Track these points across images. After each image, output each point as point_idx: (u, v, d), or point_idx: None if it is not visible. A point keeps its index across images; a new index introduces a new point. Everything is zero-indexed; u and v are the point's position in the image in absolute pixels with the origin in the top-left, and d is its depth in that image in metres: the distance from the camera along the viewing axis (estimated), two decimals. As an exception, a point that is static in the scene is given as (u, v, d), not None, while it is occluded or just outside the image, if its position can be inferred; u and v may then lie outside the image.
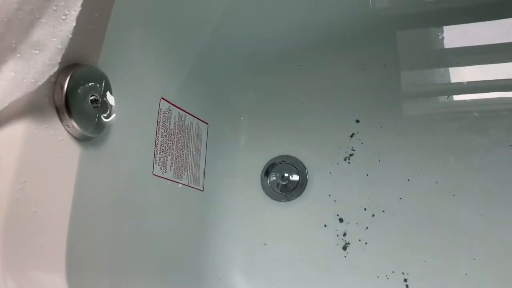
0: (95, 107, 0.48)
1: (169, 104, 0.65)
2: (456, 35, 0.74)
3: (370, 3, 0.78)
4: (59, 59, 0.41)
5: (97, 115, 0.48)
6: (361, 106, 0.74)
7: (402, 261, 0.64)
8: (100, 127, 0.49)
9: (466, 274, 0.61)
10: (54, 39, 0.40)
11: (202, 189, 0.71)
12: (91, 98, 0.47)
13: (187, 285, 0.64)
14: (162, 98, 0.63)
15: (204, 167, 0.72)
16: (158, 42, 0.61)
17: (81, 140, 0.47)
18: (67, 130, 0.45)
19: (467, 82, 0.70)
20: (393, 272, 0.64)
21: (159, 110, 0.62)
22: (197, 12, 0.67)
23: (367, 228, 0.67)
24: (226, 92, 0.79)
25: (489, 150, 0.65)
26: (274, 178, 0.75)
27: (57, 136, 0.44)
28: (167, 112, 0.64)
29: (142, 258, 0.55)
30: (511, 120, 0.65)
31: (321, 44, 0.78)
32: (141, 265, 0.56)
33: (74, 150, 0.46)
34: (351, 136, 0.73)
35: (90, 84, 0.47)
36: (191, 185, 0.68)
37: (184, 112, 0.69)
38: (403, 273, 0.63)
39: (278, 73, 0.80)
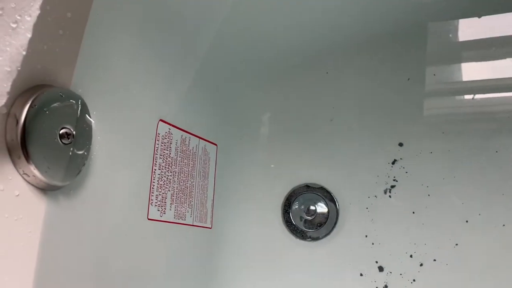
0: (66, 143, 0.36)
1: (170, 126, 0.53)
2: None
3: None
4: (7, 86, 0.30)
5: (70, 154, 0.36)
6: (405, 125, 0.61)
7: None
8: (74, 170, 0.37)
9: None
10: (0, 58, 0.29)
11: (210, 227, 0.60)
12: (60, 131, 0.36)
13: None
14: (161, 120, 0.51)
15: (212, 199, 0.61)
16: (151, 52, 0.49)
17: (48, 190, 0.35)
18: (26, 180, 0.33)
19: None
20: None
21: (157, 135, 0.50)
22: (197, 15, 0.54)
23: (414, 281, 0.55)
24: (238, 108, 0.67)
25: None
26: (298, 211, 0.63)
27: (11, 190, 0.32)
28: (166, 137, 0.52)
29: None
30: None
31: (354, 48, 0.66)
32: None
33: (36, 206, 0.34)
34: (393, 163, 0.60)
35: (59, 112, 0.35)
36: (197, 224, 0.57)
37: (188, 134, 0.57)
38: None
39: (301, 83, 0.68)
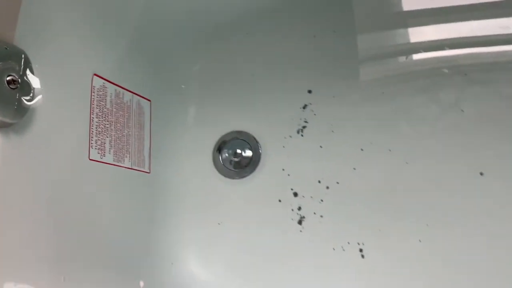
0: (13, 88, 0.44)
1: (104, 81, 0.61)
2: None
3: None
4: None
5: (17, 97, 0.44)
6: (313, 75, 0.73)
7: (358, 232, 0.66)
8: (21, 111, 0.45)
9: (420, 241, 0.63)
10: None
11: (148, 171, 0.69)
12: (7, 78, 0.43)
13: (136, 272, 0.62)
14: (95, 74, 0.59)
15: (149, 147, 0.70)
16: (87, 11, 0.57)
17: (0, 127, 0.43)
18: (-20, 117, 0.41)
19: (420, 42, 0.71)
20: (348, 243, 0.65)
21: (92, 87, 0.59)
22: None
23: (322, 201, 0.68)
24: (170, 66, 0.76)
25: (441, 115, 0.67)
26: (226, 155, 0.74)
27: (-31, 124, 0.40)
28: (101, 90, 0.60)
29: (85, 249, 0.53)
30: (461, 83, 0.67)
31: (270, 11, 0.76)
32: (84, 257, 0.54)
33: (-9, 138, 0.42)
34: (304, 108, 0.73)
35: (4, 62, 0.43)
36: (135, 168, 0.66)
37: (122, 89, 0.65)
38: (358, 243, 0.65)
39: (225, 43, 0.78)
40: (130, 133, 0.66)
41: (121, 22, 0.64)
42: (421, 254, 0.63)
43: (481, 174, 0.63)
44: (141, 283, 0.63)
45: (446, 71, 0.69)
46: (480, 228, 0.62)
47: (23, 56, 0.45)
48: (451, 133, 0.66)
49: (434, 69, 0.69)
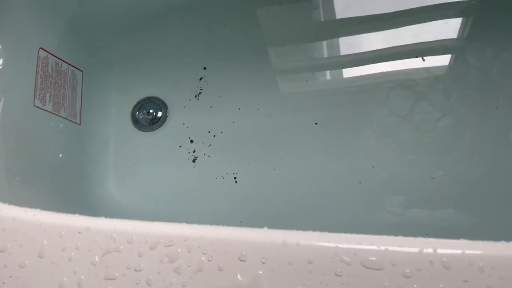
0: (-18, 48, 0.68)
1: (47, 53, 0.86)
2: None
3: None
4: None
5: (-15, 55, 0.69)
6: (207, 56, 1.01)
7: (233, 166, 0.94)
8: (-12, 64, 0.70)
9: (274, 169, 0.92)
10: None
11: (79, 123, 0.94)
12: (-21, 41, 0.68)
13: (71, 195, 0.87)
14: (41, 48, 0.84)
15: (80, 105, 0.95)
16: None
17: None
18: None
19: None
20: (226, 173, 0.93)
21: (38, 57, 0.83)
22: None
23: (210, 145, 0.96)
24: (100, 44, 1.01)
25: (289, 85, 0.97)
26: (141, 113, 1.00)
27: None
28: (45, 59, 0.85)
29: (33, 165, 0.77)
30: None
31: (181, 5, 1.03)
32: (31, 170, 0.78)
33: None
34: (200, 79, 1.00)
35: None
36: (68, 118, 0.91)
37: (61, 60, 0.90)
38: (233, 173, 0.93)
39: (145, 30, 1.04)
40: (66, 93, 0.91)
41: (62, 8, 0.89)
42: (276, 179, 0.92)
43: (316, 124, 0.93)
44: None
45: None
46: (312, 161, 0.92)
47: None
48: (298, 100, 0.96)
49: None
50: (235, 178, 0.93)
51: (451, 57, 0.94)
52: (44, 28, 0.86)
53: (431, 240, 0.40)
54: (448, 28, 0.97)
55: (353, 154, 0.92)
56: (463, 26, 0.97)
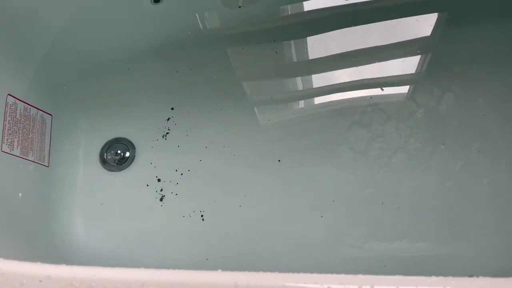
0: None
1: (15, 99, 0.88)
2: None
3: (208, 24, 1.10)
4: None
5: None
6: (174, 97, 1.05)
7: (200, 204, 0.96)
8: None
9: (240, 206, 0.95)
10: None
11: (47, 165, 0.96)
12: None
13: (34, 237, 0.87)
14: (9, 94, 0.86)
15: (49, 148, 0.97)
16: (3, 47, 0.84)
17: None
18: None
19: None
20: (194, 211, 0.96)
21: (6, 103, 0.86)
22: (34, 23, 0.91)
23: (177, 183, 0.99)
24: (70, 88, 1.04)
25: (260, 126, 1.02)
26: (110, 155, 1.03)
27: None
28: (13, 105, 0.87)
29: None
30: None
31: (152, 53, 1.08)
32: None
33: None
34: (168, 120, 1.04)
35: None
36: (37, 161, 0.92)
37: (29, 106, 0.93)
38: (200, 211, 0.96)
39: (113, 72, 1.08)
40: (34, 136, 0.93)
41: (31, 55, 0.92)
42: (241, 216, 0.95)
43: (279, 161, 0.98)
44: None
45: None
46: (276, 197, 0.95)
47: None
48: (262, 138, 1.01)
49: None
50: (202, 216, 0.96)
51: (403, 96, 1.01)
52: (12, 74, 0.89)
53: (369, 277, 0.44)
54: (402, 68, 1.05)
55: (314, 189, 0.96)
56: (417, 67, 1.05)
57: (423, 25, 1.10)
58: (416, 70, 1.05)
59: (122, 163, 1.02)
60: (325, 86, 1.08)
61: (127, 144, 1.03)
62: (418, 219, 0.90)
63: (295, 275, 0.44)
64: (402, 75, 1.05)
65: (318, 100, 1.05)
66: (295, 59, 1.12)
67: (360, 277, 0.44)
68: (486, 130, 0.94)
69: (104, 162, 1.02)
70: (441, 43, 1.06)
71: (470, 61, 1.01)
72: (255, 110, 1.05)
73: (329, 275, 0.44)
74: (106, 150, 1.03)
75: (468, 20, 1.06)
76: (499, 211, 0.89)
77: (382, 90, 1.03)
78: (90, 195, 1.00)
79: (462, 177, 0.91)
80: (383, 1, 1.12)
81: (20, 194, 0.87)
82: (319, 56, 1.11)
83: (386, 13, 1.10)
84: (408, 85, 1.04)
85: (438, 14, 1.09)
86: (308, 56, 1.11)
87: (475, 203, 0.90)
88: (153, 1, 0.99)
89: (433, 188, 0.92)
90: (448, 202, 0.90)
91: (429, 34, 1.07)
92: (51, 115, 0.99)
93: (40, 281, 0.45)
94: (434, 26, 1.07)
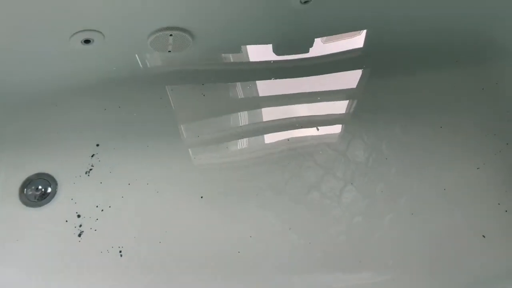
0: None
1: None
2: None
3: (140, 64, 1.14)
4: None
5: None
6: (101, 134, 1.07)
7: (119, 239, 0.97)
8: None
9: (159, 242, 0.96)
10: None
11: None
12: None
13: None
14: None
15: (-37, 182, 0.94)
16: None
17: None
18: None
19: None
20: (112, 247, 0.96)
21: None
22: None
23: (97, 219, 0.99)
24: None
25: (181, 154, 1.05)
26: (30, 190, 1.01)
27: None
28: None
29: None
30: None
31: (81, 91, 1.10)
32: None
33: None
34: (92, 156, 1.05)
35: None
36: None
37: None
38: (119, 247, 0.96)
39: (39, 107, 1.08)
40: None
41: None
42: (161, 252, 0.96)
43: (201, 197, 1.01)
44: None
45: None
46: (196, 232, 0.98)
47: None
48: (186, 175, 1.05)
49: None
50: (120, 251, 0.96)
51: (317, 139, 1.10)
52: None
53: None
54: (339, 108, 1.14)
55: (234, 225, 0.99)
56: (352, 107, 1.15)
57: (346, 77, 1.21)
58: (334, 116, 1.14)
59: (43, 199, 1.01)
60: (251, 125, 1.14)
61: (49, 180, 1.03)
62: (328, 253, 0.95)
63: None
64: (316, 119, 1.13)
65: (244, 140, 1.11)
66: (222, 102, 1.18)
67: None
68: (388, 173, 1.04)
69: (23, 197, 1.01)
70: (357, 94, 1.17)
71: (376, 110, 1.12)
72: (182, 148, 1.09)
73: None
74: (27, 185, 1.02)
75: (380, 75, 1.18)
76: (399, 241, 0.97)
77: (318, 129, 1.11)
78: (6, 231, 0.97)
79: (367, 213, 0.99)
80: (311, 59, 1.22)
81: None
82: (248, 99, 1.18)
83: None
84: (324, 129, 1.13)
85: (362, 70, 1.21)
86: (237, 99, 1.18)
87: (380, 236, 0.97)
88: (84, 42, 1.03)
89: (343, 223, 0.98)
90: (355, 235, 0.97)
91: (354, 86, 1.18)
92: (-30, 148, 0.97)
93: None
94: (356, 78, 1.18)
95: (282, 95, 1.18)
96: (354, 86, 1.18)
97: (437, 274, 0.92)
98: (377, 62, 1.19)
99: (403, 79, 1.16)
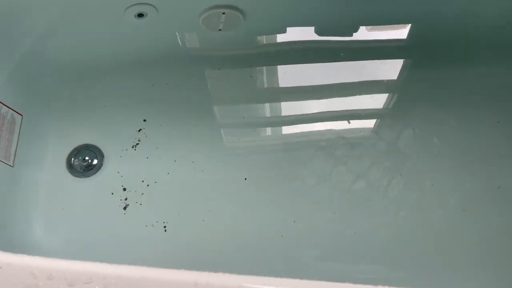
0: None
1: (-13, 96, 0.87)
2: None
3: (190, 42, 1.13)
4: None
5: None
6: (148, 110, 1.07)
7: (164, 215, 0.97)
8: None
9: (203, 220, 0.96)
10: None
11: (12, 165, 0.94)
12: None
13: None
14: (-19, 90, 0.85)
15: (15, 148, 0.95)
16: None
17: None
18: None
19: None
20: (156, 222, 0.96)
21: (-22, 98, 0.85)
22: (16, 23, 0.91)
23: (142, 194, 0.99)
24: (43, 90, 1.03)
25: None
26: (77, 160, 1.02)
27: None
28: (-15, 101, 0.86)
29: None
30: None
31: (130, 65, 1.09)
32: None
33: None
34: (139, 131, 1.05)
35: None
36: (1, 160, 0.91)
37: (1, 104, 0.91)
38: (163, 222, 0.96)
39: (90, 79, 1.08)
40: (2, 134, 0.91)
41: (12, 51, 0.92)
42: (204, 230, 0.96)
43: (245, 179, 1.00)
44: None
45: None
46: (239, 214, 0.97)
47: None
48: (231, 156, 1.03)
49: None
50: (164, 226, 0.96)
51: (367, 130, 1.07)
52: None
53: (324, 283, 0.46)
54: (369, 104, 1.11)
55: (278, 209, 0.98)
56: (384, 103, 1.11)
57: (389, 68, 1.18)
58: (382, 107, 1.11)
59: (89, 170, 1.01)
60: (295, 115, 1.12)
61: (96, 151, 1.03)
62: (372, 244, 0.93)
63: (253, 277, 0.46)
64: (368, 109, 1.11)
65: (289, 123, 1.09)
66: (267, 85, 1.16)
67: (317, 283, 0.46)
68: (439, 166, 1.00)
69: (70, 167, 1.01)
70: (404, 85, 1.13)
71: (429, 102, 1.08)
72: (226, 130, 1.08)
73: (286, 279, 0.46)
74: (74, 155, 1.02)
75: (430, 65, 1.14)
76: (448, 243, 0.94)
77: (349, 123, 1.08)
78: (53, 199, 0.98)
79: (415, 206, 0.96)
80: (354, 43, 1.19)
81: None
82: (291, 86, 1.16)
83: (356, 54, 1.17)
84: (373, 119, 1.10)
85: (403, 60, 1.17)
86: (279, 84, 1.16)
87: (426, 231, 0.95)
88: (137, 16, 1.01)
89: (389, 215, 0.96)
90: (405, 229, 0.95)
91: (395, 78, 1.14)
92: (21, 115, 0.98)
93: (0, 267, 0.44)
94: (400, 70, 1.15)
95: (328, 83, 1.15)
96: (403, 76, 1.14)
97: (487, 273, 0.89)
98: (429, 53, 1.14)
99: (459, 72, 1.11)
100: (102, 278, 0.44)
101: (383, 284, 0.90)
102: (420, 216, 0.96)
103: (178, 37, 1.11)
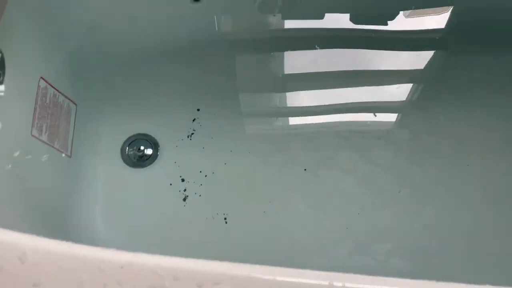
0: (-6, 73, 0.66)
1: (46, 83, 0.84)
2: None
3: (243, 28, 1.08)
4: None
5: (-4, 80, 0.67)
6: (202, 99, 1.03)
7: (224, 206, 0.94)
8: (-3, 89, 0.67)
9: (264, 212, 0.93)
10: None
11: (70, 155, 0.91)
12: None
13: (57, 225, 0.82)
14: (41, 77, 0.82)
15: (72, 138, 0.92)
16: (39, 27, 0.80)
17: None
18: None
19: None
20: (217, 214, 0.93)
21: (38, 86, 0.81)
22: (71, 7, 0.87)
23: (201, 185, 0.95)
24: (97, 79, 1.00)
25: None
26: (132, 150, 0.98)
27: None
28: (44, 89, 0.83)
29: (21, 195, 0.73)
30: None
31: (181, 52, 1.05)
32: (15, 207, 0.74)
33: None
34: (193, 120, 1.01)
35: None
36: (61, 150, 0.87)
37: (58, 92, 0.88)
38: (224, 214, 0.93)
39: (143, 68, 1.04)
40: (60, 125, 0.88)
41: (67, 40, 0.88)
42: (265, 222, 0.93)
43: (305, 170, 0.96)
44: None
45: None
46: (301, 205, 0.94)
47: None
48: (289, 146, 1.00)
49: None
50: (225, 218, 0.93)
51: (394, 122, 1.02)
52: (46, 57, 0.84)
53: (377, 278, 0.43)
54: (395, 95, 1.06)
55: (341, 201, 0.95)
56: (410, 94, 1.06)
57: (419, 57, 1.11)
58: (407, 98, 1.05)
59: (143, 160, 0.98)
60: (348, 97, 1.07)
61: (151, 141, 0.99)
62: (445, 242, 0.90)
63: (316, 272, 0.42)
64: (394, 101, 1.06)
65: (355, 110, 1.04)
66: (333, 69, 1.09)
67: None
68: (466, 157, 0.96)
69: (125, 157, 0.98)
70: (435, 76, 1.07)
71: (465, 93, 1.03)
72: (283, 117, 1.04)
73: (345, 275, 0.43)
74: (129, 145, 0.99)
75: (465, 56, 1.08)
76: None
77: (375, 116, 1.04)
78: (110, 190, 0.95)
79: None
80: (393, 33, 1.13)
81: (43, 183, 0.82)
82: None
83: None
84: (399, 112, 1.05)
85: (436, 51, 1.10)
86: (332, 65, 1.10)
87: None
88: (193, 0, 0.97)
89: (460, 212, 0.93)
90: (473, 225, 0.92)
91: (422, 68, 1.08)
92: (76, 104, 0.94)
93: (121, 267, 0.41)
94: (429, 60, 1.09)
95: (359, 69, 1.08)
96: (435, 67, 1.08)
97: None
98: (465, 44, 1.08)
99: (490, 60, 1.05)
100: (231, 278, 0.41)
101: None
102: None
103: (231, 24, 1.06)
